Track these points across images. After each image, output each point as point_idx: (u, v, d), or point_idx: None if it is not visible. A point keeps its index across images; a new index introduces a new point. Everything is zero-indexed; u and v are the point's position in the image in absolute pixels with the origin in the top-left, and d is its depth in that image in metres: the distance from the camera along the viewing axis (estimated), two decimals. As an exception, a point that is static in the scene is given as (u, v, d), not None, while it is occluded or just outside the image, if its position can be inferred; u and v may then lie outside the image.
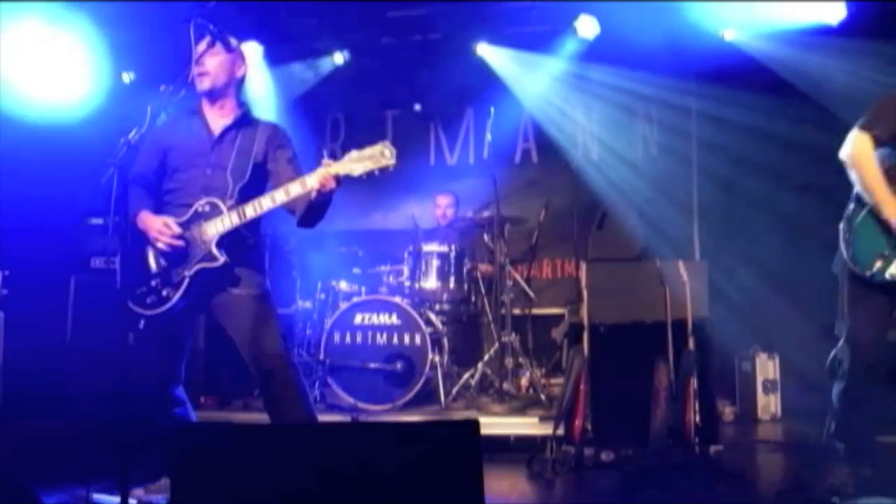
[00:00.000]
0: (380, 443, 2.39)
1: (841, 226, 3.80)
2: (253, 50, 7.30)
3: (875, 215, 3.66)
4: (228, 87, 3.86)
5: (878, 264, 3.60)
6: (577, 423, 4.98)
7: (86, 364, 5.86)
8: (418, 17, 7.04)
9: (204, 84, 3.75)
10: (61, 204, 6.73)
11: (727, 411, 6.39)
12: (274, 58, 7.65)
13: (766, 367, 6.40)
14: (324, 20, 7.12)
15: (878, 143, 3.73)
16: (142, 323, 3.65)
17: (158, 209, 3.78)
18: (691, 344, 5.26)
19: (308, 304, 6.59)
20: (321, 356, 5.94)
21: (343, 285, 6.49)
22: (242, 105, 3.92)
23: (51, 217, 6.84)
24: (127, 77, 7.67)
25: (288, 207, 3.69)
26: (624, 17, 7.00)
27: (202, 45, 3.74)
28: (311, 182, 3.53)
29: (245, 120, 3.89)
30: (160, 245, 3.62)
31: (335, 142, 8.57)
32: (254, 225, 3.75)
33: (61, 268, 6.58)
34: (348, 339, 5.98)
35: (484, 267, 6.80)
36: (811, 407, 5.96)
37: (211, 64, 3.75)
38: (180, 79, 3.37)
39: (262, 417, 5.48)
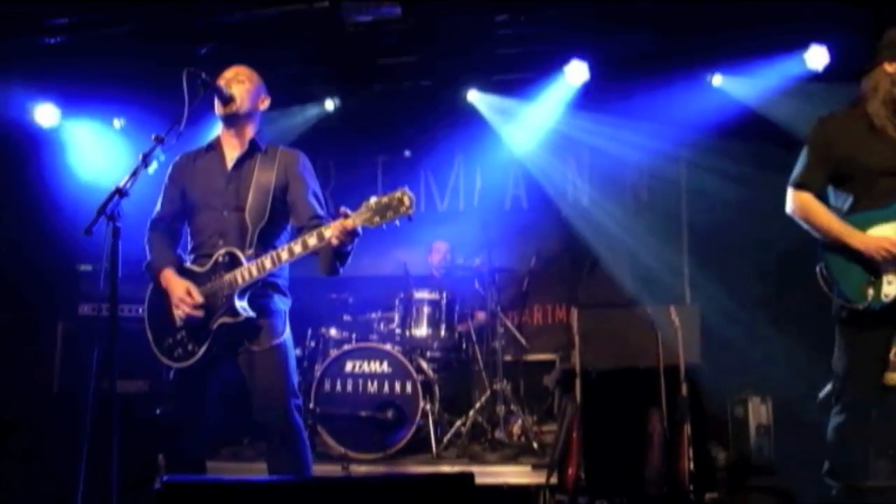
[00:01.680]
0: (373, 499, 2.36)
1: (818, 274, 3.81)
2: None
3: (842, 251, 3.67)
4: (249, 118, 3.79)
5: (870, 292, 3.60)
6: (571, 471, 4.93)
7: (71, 409, 5.78)
8: (409, 64, 7.07)
9: (229, 109, 3.69)
10: (51, 250, 6.73)
11: (721, 457, 6.32)
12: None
13: (759, 412, 6.33)
14: (314, 67, 7.14)
15: (818, 192, 3.82)
16: (172, 373, 3.63)
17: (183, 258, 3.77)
18: (684, 390, 5.24)
19: (298, 352, 6.53)
20: (311, 404, 5.87)
21: (333, 332, 6.45)
22: (259, 133, 3.83)
23: (40, 261, 6.83)
24: (118, 123, 7.68)
25: (312, 253, 3.54)
26: (615, 63, 7.05)
27: (230, 71, 3.74)
28: (328, 234, 3.37)
29: (260, 147, 3.80)
30: (178, 313, 3.57)
31: (325, 189, 8.56)
32: (279, 272, 3.67)
33: (49, 314, 6.56)
34: (339, 386, 5.93)
35: (480, 315, 6.79)
36: (805, 451, 5.94)
37: (238, 91, 3.70)
38: (173, 127, 3.34)
39: (251, 467, 5.48)
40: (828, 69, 6.76)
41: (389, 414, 5.80)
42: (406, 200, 3.32)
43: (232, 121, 3.75)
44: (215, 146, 3.82)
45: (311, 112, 7.77)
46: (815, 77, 6.81)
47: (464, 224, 7.91)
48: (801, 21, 6.44)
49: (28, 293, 6.67)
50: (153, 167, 3.23)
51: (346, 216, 3.35)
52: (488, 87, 7.64)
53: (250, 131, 3.81)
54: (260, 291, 3.63)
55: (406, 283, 6.80)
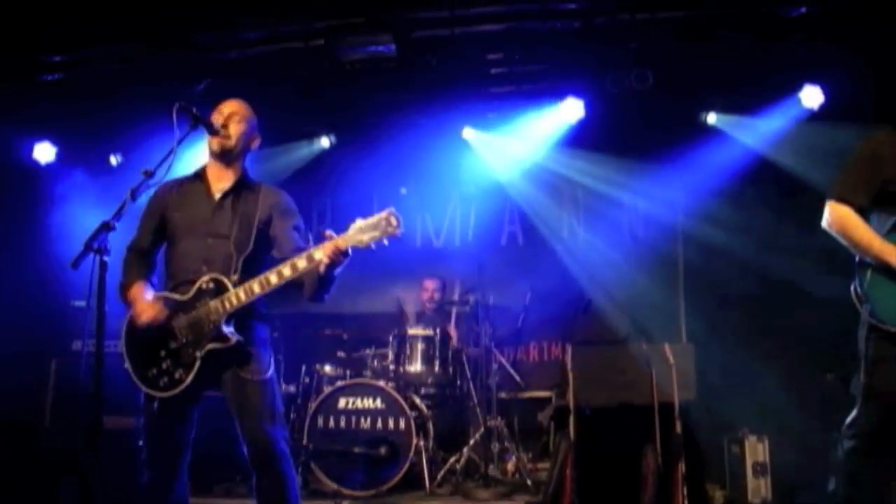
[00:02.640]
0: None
1: (853, 292, 3.64)
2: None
3: (883, 271, 3.52)
4: (240, 156, 3.81)
5: None
6: (565, 508, 4.90)
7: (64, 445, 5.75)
8: (404, 101, 7.13)
9: (222, 146, 3.71)
10: (45, 285, 6.73)
11: (717, 495, 6.26)
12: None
13: (756, 450, 6.29)
14: (310, 104, 7.19)
15: (860, 209, 3.63)
16: (156, 405, 3.56)
17: (161, 282, 3.73)
18: (678, 427, 5.21)
19: (292, 388, 6.51)
20: (304, 440, 5.84)
21: (327, 369, 6.44)
22: (244, 170, 3.84)
23: (34, 297, 6.83)
24: (115, 160, 7.72)
25: (296, 281, 3.52)
26: (608, 101, 7.11)
27: (227, 107, 3.75)
28: (319, 255, 3.38)
29: (246, 183, 3.81)
30: (139, 322, 3.54)
31: (322, 225, 8.61)
32: (263, 299, 3.63)
33: (42, 350, 6.54)
34: (332, 423, 5.91)
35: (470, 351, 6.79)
36: (803, 489, 5.89)
37: (234, 130, 3.72)
38: (163, 162, 3.35)
39: (242, 503, 5.43)
40: (823, 108, 6.81)
41: (383, 450, 5.77)
42: (393, 220, 3.31)
43: (223, 157, 3.77)
44: (201, 176, 3.82)
45: (307, 149, 7.82)
46: (810, 117, 6.87)
47: (459, 261, 7.92)
48: (795, 62, 6.50)
49: (22, 329, 6.65)
50: (142, 201, 3.24)
51: (332, 237, 3.37)
52: (483, 124, 7.69)
53: (238, 167, 3.83)
54: (244, 319, 3.61)
55: (400, 319, 6.79)
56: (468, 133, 7.77)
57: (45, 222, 7.24)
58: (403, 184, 8.05)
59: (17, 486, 5.39)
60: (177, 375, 3.54)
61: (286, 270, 3.46)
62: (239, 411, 3.56)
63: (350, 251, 3.39)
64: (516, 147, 7.77)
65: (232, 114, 3.77)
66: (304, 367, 6.52)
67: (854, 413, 3.67)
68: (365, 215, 3.38)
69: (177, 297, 3.61)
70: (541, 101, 7.26)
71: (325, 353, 6.67)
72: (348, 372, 6.41)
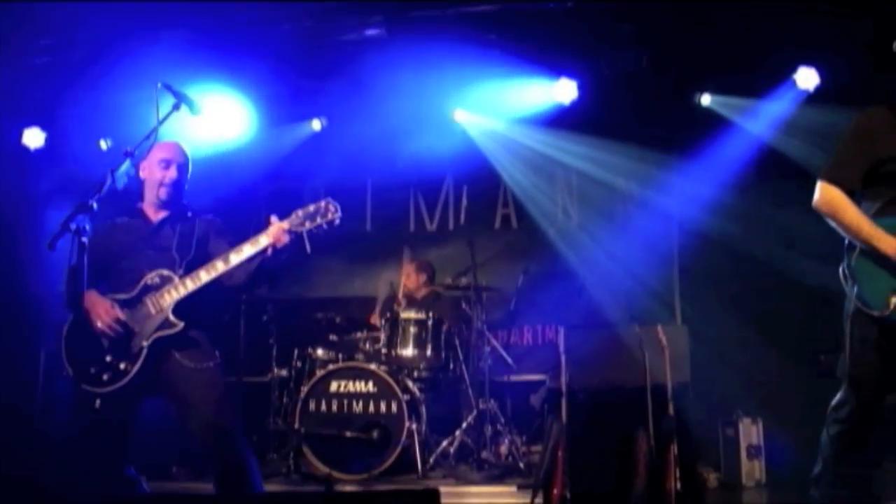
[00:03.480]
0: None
1: (840, 273, 3.60)
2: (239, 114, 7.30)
3: (870, 254, 3.49)
4: (180, 197, 3.97)
5: (894, 301, 3.40)
6: (556, 491, 4.86)
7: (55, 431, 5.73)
8: (396, 83, 7.06)
9: (169, 195, 3.88)
10: (36, 273, 6.68)
11: (711, 478, 6.25)
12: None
13: (750, 433, 6.28)
14: (301, 86, 7.13)
15: (850, 190, 3.59)
16: (97, 402, 3.56)
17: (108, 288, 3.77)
18: (671, 409, 5.19)
19: (284, 372, 6.48)
20: (296, 424, 5.82)
21: (319, 353, 6.40)
22: (180, 201, 3.97)
23: (24, 285, 6.79)
24: (104, 144, 7.66)
25: (231, 274, 3.69)
26: (602, 82, 7.06)
27: (172, 171, 3.87)
28: (264, 241, 3.60)
29: (182, 213, 3.95)
30: (99, 326, 3.56)
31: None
32: (206, 291, 3.70)
33: (33, 338, 6.51)
34: (324, 406, 5.88)
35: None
36: (796, 472, 5.88)
37: (179, 184, 3.92)
38: (142, 142, 3.32)
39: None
40: (819, 90, 6.76)
41: (375, 434, 5.75)
42: (331, 208, 3.65)
43: (167, 201, 3.91)
44: (140, 212, 3.94)
45: (298, 132, 7.76)
46: (806, 99, 6.83)
47: (452, 244, 7.88)
48: (790, 44, 6.44)
49: (11, 313, 6.61)
50: (122, 182, 3.20)
51: (275, 222, 3.64)
52: (476, 106, 7.63)
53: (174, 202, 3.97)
54: (193, 312, 3.69)
55: (392, 303, 6.76)
56: (460, 115, 7.71)
57: (32, 208, 7.19)
58: (396, 166, 7.96)
59: (7, 473, 5.36)
60: (121, 367, 3.58)
61: (233, 256, 3.63)
62: (184, 401, 3.61)
63: (288, 239, 3.63)
64: (509, 129, 7.72)
65: (173, 176, 3.90)
66: (296, 351, 6.49)
67: (838, 397, 3.66)
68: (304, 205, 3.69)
69: (121, 296, 3.68)
70: (534, 83, 7.20)
71: (318, 336, 6.64)
72: (340, 355, 6.37)
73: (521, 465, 5.76)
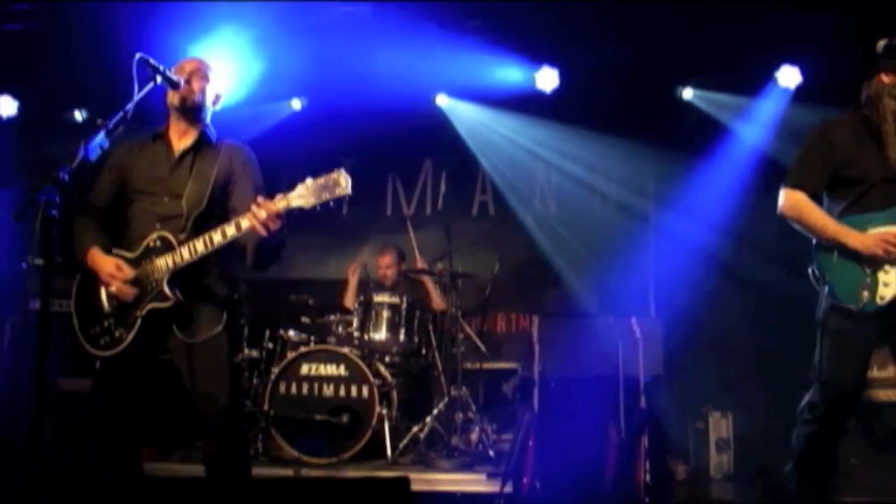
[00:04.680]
0: (311, 501, 2.28)
1: (810, 273, 3.73)
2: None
3: (838, 252, 3.61)
4: (202, 112, 3.70)
5: (865, 294, 3.52)
6: (526, 480, 4.87)
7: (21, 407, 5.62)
8: (379, 66, 6.98)
9: (184, 102, 3.60)
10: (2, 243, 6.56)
11: (680, 470, 6.28)
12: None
13: (720, 426, 6.32)
14: (281, 65, 7.03)
15: (814, 195, 3.75)
16: (97, 364, 3.48)
17: (115, 241, 3.61)
18: (643, 401, 5.20)
19: (254, 353, 6.41)
20: (266, 406, 5.76)
21: (291, 334, 6.34)
22: (207, 127, 3.74)
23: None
24: (79, 115, 7.54)
25: (240, 244, 3.48)
26: (584, 72, 7.04)
27: (189, 64, 3.65)
28: (245, 224, 3.34)
29: (206, 140, 3.71)
30: (112, 289, 3.44)
31: (291, 189, 8.49)
32: (213, 257, 3.50)
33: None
34: (294, 389, 5.83)
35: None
36: (765, 466, 5.92)
37: (197, 86, 3.62)
38: (119, 114, 3.23)
39: (197, 469, 5.35)
40: (802, 89, 6.79)
41: (345, 418, 5.71)
42: (342, 181, 3.24)
43: (185, 114, 3.66)
44: (162, 136, 3.71)
45: (277, 110, 7.67)
46: (788, 97, 6.85)
47: (430, 229, 7.85)
48: (773, 41, 6.45)
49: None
50: (96, 155, 3.11)
51: (279, 199, 3.31)
52: (458, 91, 7.59)
53: (200, 125, 3.73)
54: (195, 276, 3.51)
55: (366, 286, 6.71)
56: (442, 100, 7.67)
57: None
58: (376, 150, 7.90)
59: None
60: (117, 334, 3.46)
61: (230, 230, 3.39)
62: (188, 378, 3.47)
63: (291, 212, 3.31)
64: (490, 116, 7.68)
65: (195, 69, 3.67)
66: (267, 332, 6.42)
67: (810, 397, 3.71)
68: (315, 175, 3.32)
69: (126, 254, 3.54)
70: (517, 70, 7.17)
71: (290, 318, 6.57)
72: (312, 338, 6.32)
73: (492, 453, 5.73)
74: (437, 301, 6.91)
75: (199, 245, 3.41)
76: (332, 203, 3.28)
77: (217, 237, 3.39)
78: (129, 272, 3.44)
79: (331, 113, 7.73)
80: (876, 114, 3.68)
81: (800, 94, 6.78)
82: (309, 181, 3.30)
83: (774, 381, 6.29)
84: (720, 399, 6.46)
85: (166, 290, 3.41)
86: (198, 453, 5.75)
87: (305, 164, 7.98)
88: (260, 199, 3.33)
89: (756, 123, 6.97)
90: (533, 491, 4.84)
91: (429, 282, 6.99)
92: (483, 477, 5.21)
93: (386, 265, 7.11)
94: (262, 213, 3.29)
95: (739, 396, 6.48)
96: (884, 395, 5.51)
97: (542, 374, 5.44)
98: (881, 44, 3.62)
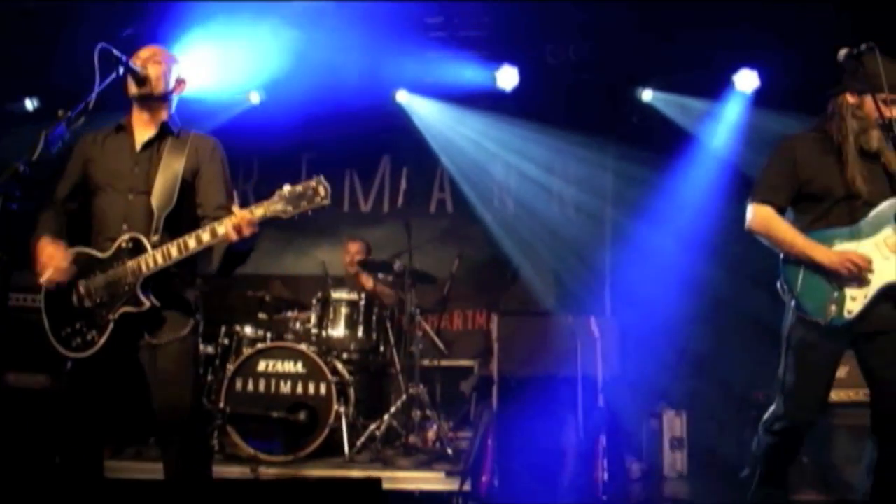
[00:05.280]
0: (277, 502, 2.25)
1: (779, 287, 3.77)
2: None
3: (806, 266, 3.65)
4: (163, 100, 3.61)
5: (833, 308, 3.56)
6: (485, 478, 4.87)
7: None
8: (340, 60, 6.93)
9: (143, 89, 3.50)
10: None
11: (634, 468, 6.33)
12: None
13: (674, 425, 6.39)
14: (238, 55, 6.94)
15: (781, 210, 3.78)
16: (69, 365, 3.41)
17: (82, 238, 3.51)
18: (601, 400, 5.23)
19: (210, 349, 6.32)
20: (221, 404, 5.68)
21: (247, 331, 6.26)
22: (171, 118, 3.65)
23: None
24: (30, 104, 7.37)
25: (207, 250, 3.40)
26: (545, 71, 7.06)
27: (146, 51, 3.56)
28: (221, 230, 3.28)
29: (169, 130, 3.61)
30: (42, 279, 3.36)
31: (248, 182, 8.44)
32: (184, 260, 3.41)
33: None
34: (251, 386, 5.75)
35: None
36: (717, 464, 6.01)
37: (154, 71, 3.52)
38: (80, 105, 3.15)
39: (155, 467, 5.26)
40: (757, 93, 6.89)
41: (302, 416, 5.65)
42: (321, 190, 3.21)
43: (145, 102, 3.57)
44: (125, 127, 3.62)
45: (235, 103, 7.57)
46: (746, 101, 6.94)
47: (387, 226, 7.84)
48: (733, 44, 6.53)
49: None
50: (57, 148, 3.03)
51: (255, 207, 3.26)
52: (418, 88, 7.57)
53: (163, 114, 3.63)
54: (165, 281, 3.44)
55: (324, 282, 6.66)
56: (402, 96, 7.64)
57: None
58: (335, 145, 7.86)
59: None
60: (89, 337, 3.38)
61: (205, 236, 3.32)
62: (153, 380, 3.41)
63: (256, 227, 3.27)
64: (450, 114, 7.68)
65: (152, 56, 3.58)
66: (223, 328, 6.33)
67: (773, 410, 3.76)
68: (293, 182, 3.27)
69: (97, 254, 3.45)
70: (477, 68, 7.18)
71: (246, 314, 6.49)
72: (269, 335, 6.25)
73: (449, 451, 5.71)
74: (388, 295, 6.88)
75: (174, 250, 3.34)
76: (310, 213, 3.24)
77: (192, 243, 3.33)
78: (63, 262, 3.36)
79: (289, 107, 7.65)
80: (839, 133, 3.74)
81: (758, 99, 6.87)
82: (286, 188, 3.25)
83: (727, 381, 6.38)
84: (675, 398, 6.53)
85: (140, 294, 3.34)
86: (151, 451, 5.68)
87: (262, 158, 8.04)
88: (236, 208, 3.27)
89: (714, 127, 7.05)
90: (491, 489, 4.84)
91: (368, 280, 6.94)
92: (442, 475, 5.18)
93: (355, 251, 7.08)
94: (241, 224, 3.23)
95: (694, 396, 6.55)
96: (835, 395, 5.61)
97: (500, 373, 5.44)
98: (842, 53, 3.65)
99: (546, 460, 4.98)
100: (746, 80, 6.86)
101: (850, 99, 3.74)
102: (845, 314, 3.55)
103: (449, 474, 5.17)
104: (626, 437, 6.05)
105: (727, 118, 7.02)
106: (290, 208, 3.22)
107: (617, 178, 7.78)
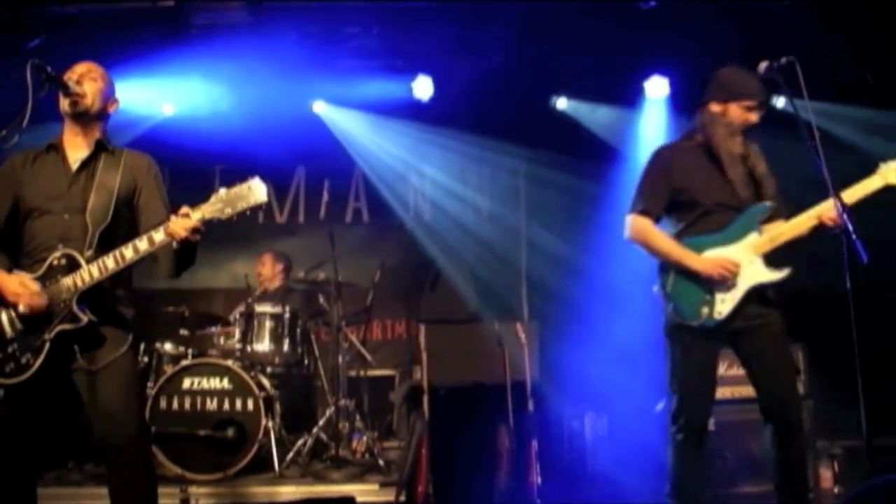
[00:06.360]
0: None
1: (656, 292, 3.95)
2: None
3: (679, 272, 3.84)
4: (97, 118, 3.51)
5: (705, 311, 3.77)
6: (420, 488, 4.89)
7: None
8: (254, 70, 6.84)
9: (77, 107, 3.40)
10: None
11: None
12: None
13: (597, 427, 6.52)
14: (152, 69, 6.78)
15: (657, 219, 3.98)
16: (1, 393, 3.25)
17: (15, 264, 3.38)
18: (531, 406, 5.32)
19: (131, 368, 6.14)
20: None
21: (168, 347, 6.12)
22: (104, 135, 3.55)
23: None
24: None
25: (152, 256, 3.33)
26: (460, 81, 7.13)
27: (81, 66, 3.46)
28: (158, 236, 3.23)
29: (105, 149, 3.51)
30: (21, 308, 3.22)
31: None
32: (119, 276, 3.34)
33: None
34: (176, 404, 5.63)
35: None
36: (642, 465, 6.15)
37: (89, 89, 3.42)
38: (14, 123, 3.05)
39: (79, 492, 5.12)
40: (667, 99, 7.10)
41: (230, 432, 5.57)
42: (257, 190, 3.25)
43: (79, 120, 3.46)
44: (57, 147, 3.50)
45: (146, 114, 7.39)
46: (656, 106, 7.15)
47: (306, 237, 7.78)
48: (642, 53, 6.72)
49: None
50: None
51: (186, 214, 3.24)
52: (335, 98, 7.54)
53: (97, 132, 3.53)
54: (101, 298, 3.34)
55: (246, 296, 6.57)
56: (319, 107, 7.60)
57: None
58: (246, 155, 7.74)
59: None
60: (23, 360, 3.24)
61: (142, 245, 3.26)
62: (92, 403, 3.29)
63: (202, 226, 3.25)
64: (366, 124, 7.68)
65: (86, 72, 3.48)
66: (142, 346, 6.14)
67: (673, 408, 3.91)
68: (229, 185, 3.27)
69: (28, 275, 3.31)
70: (394, 78, 7.21)
71: (167, 330, 6.33)
72: (191, 351, 6.12)
73: (381, 461, 5.70)
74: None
75: (110, 262, 3.25)
76: (248, 213, 3.25)
77: (129, 253, 3.25)
78: (34, 286, 3.24)
79: (201, 118, 7.50)
80: (711, 142, 3.93)
81: (670, 107, 7.09)
82: (222, 192, 3.25)
83: (650, 380, 6.54)
84: (597, 401, 6.66)
85: (76, 310, 3.23)
86: (73, 474, 5.51)
87: (175, 170, 7.86)
88: (173, 217, 3.23)
89: (627, 133, 7.24)
90: (427, 499, 4.86)
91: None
92: (376, 487, 5.19)
93: (275, 270, 7.00)
94: (179, 230, 3.20)
95: (617, 396, 6.69)
96: (745, 391, 5.82)
97: (430, 382, 5.47)
98: (762, 66, 3.81)
99: (481, 467, 5.02)
100: (657, 87, 7.07)
101: (715, 108, 3.94)
102: (716, 315, 3.77)
103: (383, 485, 5.17)
104: (554, 441, 6.14)
105: (640, 124, 7.21)
106: (228, 210, 3.24)
107: (531, 187, 7.92)
